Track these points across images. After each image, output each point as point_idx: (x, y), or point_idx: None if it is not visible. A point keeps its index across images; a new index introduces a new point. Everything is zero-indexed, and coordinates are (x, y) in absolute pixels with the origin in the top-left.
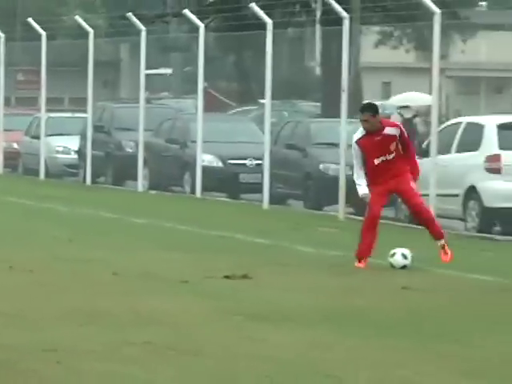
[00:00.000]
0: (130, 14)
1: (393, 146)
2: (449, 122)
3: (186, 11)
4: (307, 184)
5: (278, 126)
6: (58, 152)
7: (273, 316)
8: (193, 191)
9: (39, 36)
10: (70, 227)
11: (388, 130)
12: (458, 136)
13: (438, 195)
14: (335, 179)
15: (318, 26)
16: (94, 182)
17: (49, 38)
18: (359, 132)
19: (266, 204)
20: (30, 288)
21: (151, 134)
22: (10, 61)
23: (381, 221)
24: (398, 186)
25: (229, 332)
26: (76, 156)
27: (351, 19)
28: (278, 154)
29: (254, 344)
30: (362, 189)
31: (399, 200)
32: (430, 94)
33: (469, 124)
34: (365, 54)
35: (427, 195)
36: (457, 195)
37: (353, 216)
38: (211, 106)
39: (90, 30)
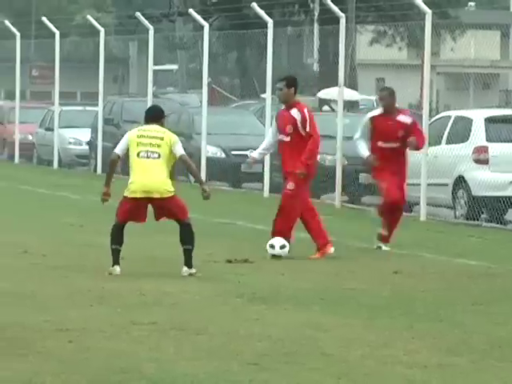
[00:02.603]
0: (138, 14)
1: (289, 129)
2: (439, 116)
3: (191, 11)
4: None
5: None
6: (70, 143)
7: (272, 298)
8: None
9: (53, 34)
10: (81, 214)
11: (292, 111)
12: (447, 129)
13: (428, 184)
14: (332, 169)
15: (315, 25)
16: (104, 171)
17: (62, 35)
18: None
19: (266, 192)
20: (42, 271)
21: None
22: (25, 57)
23: (369, 208)
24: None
25: (230, 313)
26: (87, 147)
27: (347, 19)
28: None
29: (254, 324)
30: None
31: None
32: (422, 89)
33: (458, 117)
34: (360, 52)
35: (419, 184)
36: (446, 184)
37: (348, 204)
38: (215, 100)
39: (101, 29)
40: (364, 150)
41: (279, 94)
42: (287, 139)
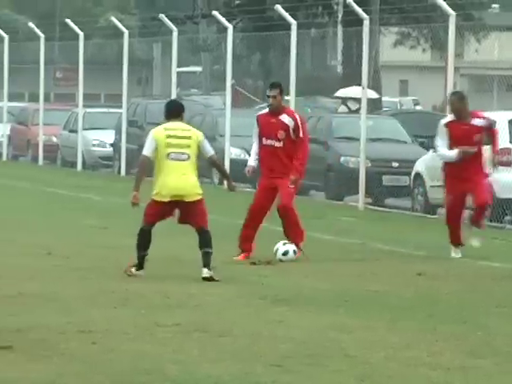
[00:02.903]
0: (162, 15)
1: (280, 134)
2: None
3: (215, 13)
4: (328, 176)
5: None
6: (94, 145)
7: (294, 300)
8: (221, 182)
9: (77, 36)
10: (105, 216)
11: (283, 117)
12: None
13: None
14: (355, 171)
15: (339, 27)
16: (128, 173)
17: (86, 37)
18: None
19: None
20: (66, 272)
21: None
22: (49, 59)
23: (397, 211)
24: (278, 182)
25: (253, 315)
26: (111, 149)
27: (371, 20)
28: None
29: (277, 326)
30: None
31: (415, 191)
32: (445, 91)
33: None
34: (384, 54)
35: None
36: None
37: (371, 206)
38: (238, 102)
39: (125, 31)
40: (449, 152)
41: (273, 101)
42: (279, 144)
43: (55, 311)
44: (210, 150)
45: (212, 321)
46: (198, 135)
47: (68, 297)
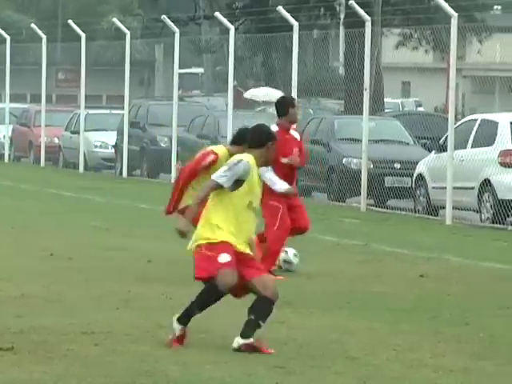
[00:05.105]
0: (164, 17)
1: (295, 151)
2: (465, 119)
3: (218, 14)
4: (331, 177)
5: (304, 122)
6: (96, 146)
7: (297, 301)
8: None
9: (79, 37)
10: (107, 217)
11: (293, 132)
12: (473, 132)
13: (454, 188)
14: (357, 172)
15: (341, 28)
16: (129, 174)
17: (88, 39)
18: (275, 125)
19: None
20: (68, 274)
21: (184, 130)
22: (51, 60)
23: (399, 212)
24: (296, 201)
25: None
26: (113, 150)
27: (373, 22)
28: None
29: (280, 328)
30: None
31: (418, 192)
32: (447, 92)
33: (484, 121)
34: (386, 55)
35: (445, 188)
36: (472, 188)
37: (373, 207)
38: (240, 103)
39: (127, 32)
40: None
41: (297, 114)
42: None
43: (58, 313)
44: None
45: (214, 322)
46: None
47: (70, 298)
